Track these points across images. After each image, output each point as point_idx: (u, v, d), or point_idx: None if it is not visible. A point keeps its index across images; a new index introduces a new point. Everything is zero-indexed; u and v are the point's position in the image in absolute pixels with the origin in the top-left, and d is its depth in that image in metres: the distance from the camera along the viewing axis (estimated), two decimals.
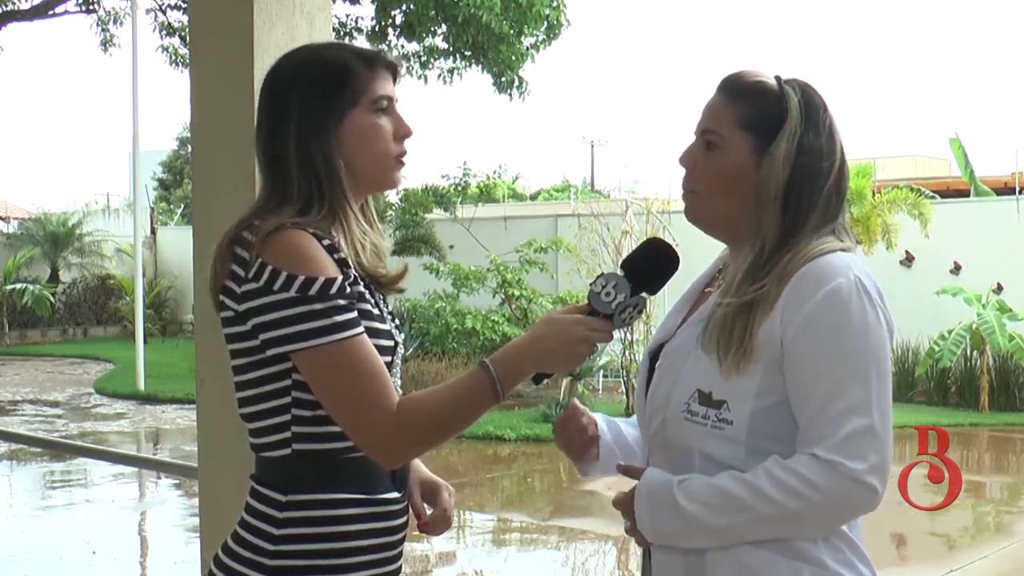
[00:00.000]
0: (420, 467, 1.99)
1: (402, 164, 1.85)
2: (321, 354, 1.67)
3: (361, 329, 1.70)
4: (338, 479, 1.75)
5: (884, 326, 1.69)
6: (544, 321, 1.72)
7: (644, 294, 1.73)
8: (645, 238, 1.81)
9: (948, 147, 16.91)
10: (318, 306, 1.67)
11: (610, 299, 1.70)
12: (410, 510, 1.89)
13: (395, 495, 1.81)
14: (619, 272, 1.73)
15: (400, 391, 1.81)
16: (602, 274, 1.73)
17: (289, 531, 1.73)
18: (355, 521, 1.75)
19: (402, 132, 1.83)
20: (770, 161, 1.72)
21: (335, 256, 1.73)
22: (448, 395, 1.71)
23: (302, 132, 1.76)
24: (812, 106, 1.76)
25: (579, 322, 1.70)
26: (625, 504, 1.76)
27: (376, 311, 1.79)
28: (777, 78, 1.78)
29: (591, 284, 1.72)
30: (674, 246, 1.77)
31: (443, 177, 18.86)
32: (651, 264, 1.76)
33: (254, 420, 1.78)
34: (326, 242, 1.73)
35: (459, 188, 18.51)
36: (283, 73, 1.82)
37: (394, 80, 1.84)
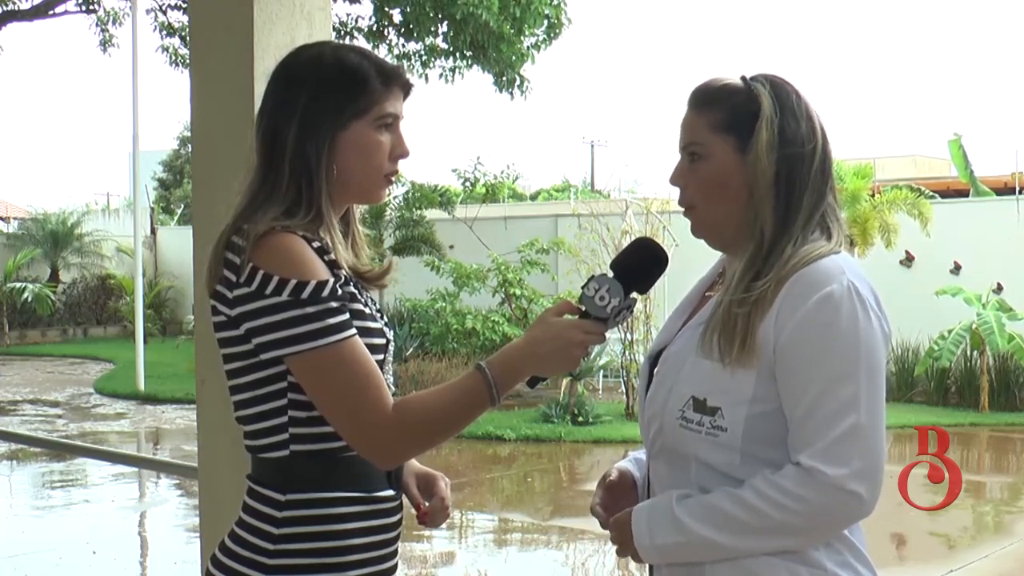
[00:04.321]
0: (412, 461, 1.99)
1: (390, 183, 1.86)
2: (315, 357, 1.67)
3: (354, 331, 1.71)
4: (336, 478, 1.75)
5: (878, 330, 1.68)
6: (538, 324, 1.73)
7: (635, 294, 1.73)
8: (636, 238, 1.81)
9: (948, 148, 16.88)
10: (310, 309, 1.67)
11: (604, 303, 1.71)
12: (404, 508, 1.90)
13: (390, 493, 1.82)
14: (609, 274, 1.73)
15: (393, 388, 1.82)
16: (593, 277, 1.73)
17: (289, 530, 1.74)
18: (353, 520, 1.76)
19: (399, 152, 1.83)
20: (753, 154, 1.73)
21: (325, 258, 1.73)
22: (445, 397, 1.71)
23: (303, 131, 1.76)
24: (783, 94, 1.76)
25: (574, 326, 1.71)
26: (621, 524, 1.77)
27: (367, 310, 1.79)
28: (743, 78, 1.79)
29: (583, 288, 1.73)
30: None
31: (453, 171, 18.88)
32: (641, 264, 1.76)
33: (251, 422, 1.78)
34: (316, 244, 1.73)
35: (469, 183, 18.51)
36: (300, 64, 1.82)
37: (404, 98, 1.85)
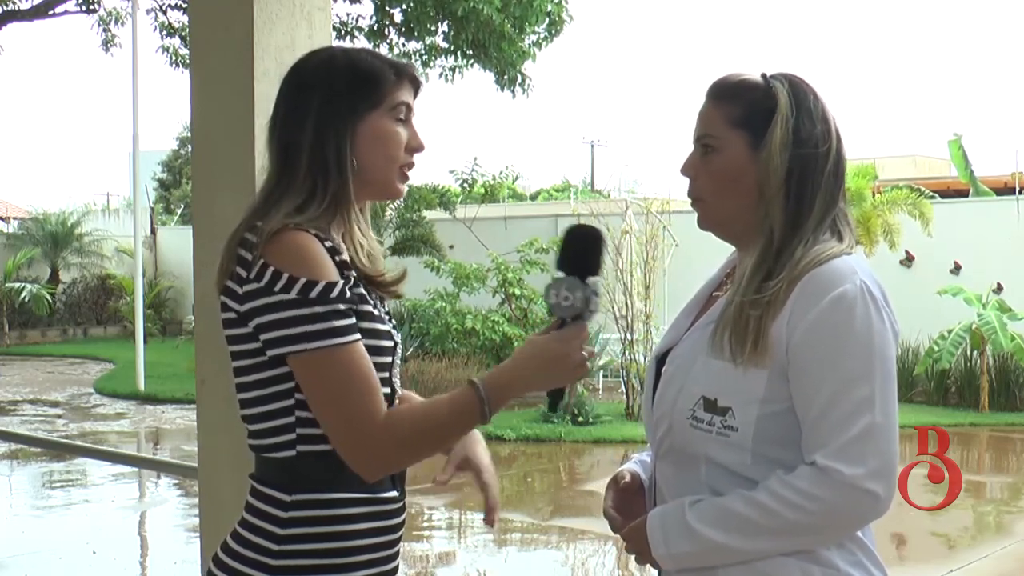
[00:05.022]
0: (478, 445, 2.00)
1: (406, 177, 1.86)
2: (317, 358, 1.67)
3: (358, 336, 1.70)
4: (343, 479, 1.74)
5: (889, 329, 1.68)
6: (526, 343, 1.74)
7: (593, 278, 1.73)
8: (573, 233, 1.77)
9: (948, 148, 16.88)
10: (318, 309, 1.67)
11: (570, 303, 1.71)
12: (407, 509, 1.89)
13: (394, 494, 1.82)
14: (561, 275, 1.73)
15: (400, 390, 1.83)
16: (548, 286, 1.73)
17: (293, 531, 1.73)
18: (358, 520, 1.76)
19: (414, 145, 1.84)
20: (767, 151, 1.72)
21: (337, 258, 1.73)
22: (436, 410, 1.71)
23: (320, 125, 1.77)
24: (801, 94, 1.76)
25: (554, 338, 1.71)
26: (637, 532, 1.76)
27: (377, 312, 1.79)
28: (763, 75, 1.79)
29: (546, 300, 1.73)
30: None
31: (451, 172, 18.90)
32: (581, 249, 1.75)
33: (257, 422, 1.77)
34: (328, 244, 1.73)
35: (466, 184, 18.53)
36: (312, 66, 1.83)
37: (415, 95, 1.86)
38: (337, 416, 1.69)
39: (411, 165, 1.85)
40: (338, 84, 1.78)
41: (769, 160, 1.72)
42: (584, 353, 1.71)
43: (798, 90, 1.76)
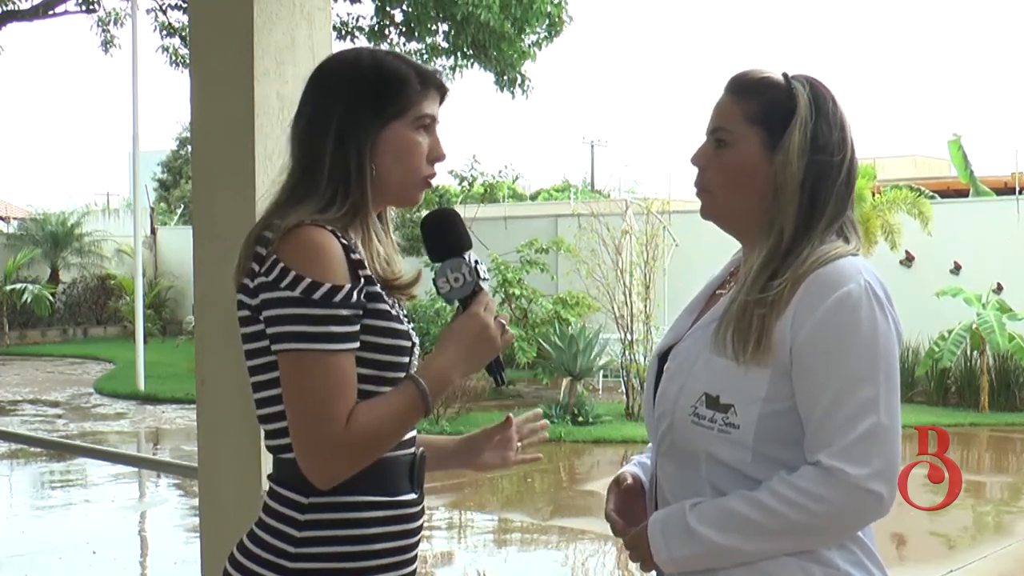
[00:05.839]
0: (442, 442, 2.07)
1: (428, 186, 1.86)
2: (303, 359, 1.66)
3: (353, 345, 1.69)
4: (360, 481, 1.73)
5: (893, 330, 1.68)
6: (442, 333, 1.78)
7: (467, 253, 1.80)
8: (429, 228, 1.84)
9: (947, 148, 16.89)
10: (318, 311, 1.66)
11: (460, 282, 1.77)
12: (426, 511, 1.88)
13: (413, 496, 1.81)
14: (440, 265, 1.78)
15: None
16: (434, 280, 1.79)
17: (311, 533, 1.72)
18: (376, 524, 1.75)
19: (436, 155, 1.83)
20: (783, 154, 1.72)
21: (351, 256, 1.72)
22: (386, 413, 1.70)
23: (343, 131, 1.76)
24: (821, 98, 1.76)
25: (467, 317, 1.76)
26: (639, 539, 1.75)
27: (394, 311, 1.78)
28: (784, 74, 1.79)
29: (439, 293, 1.78)
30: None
31: (450, 172, 18.90)
32: (440, 231, 1.81)
33: (272, 421, 1.76)
34: (344, 241, 1.72)
35: (467, 182, 18.51)
36: (338, 68, 1.82)
37: (440, 102, 1.85)
38: (306, 420, 1.67)
39: (433, 175, 1.85)
40: (363, 87, 1.77)
41: (786, 163, 1.72)
42: (501, 320, 1.77)
43: (818, 94, 1.76)
